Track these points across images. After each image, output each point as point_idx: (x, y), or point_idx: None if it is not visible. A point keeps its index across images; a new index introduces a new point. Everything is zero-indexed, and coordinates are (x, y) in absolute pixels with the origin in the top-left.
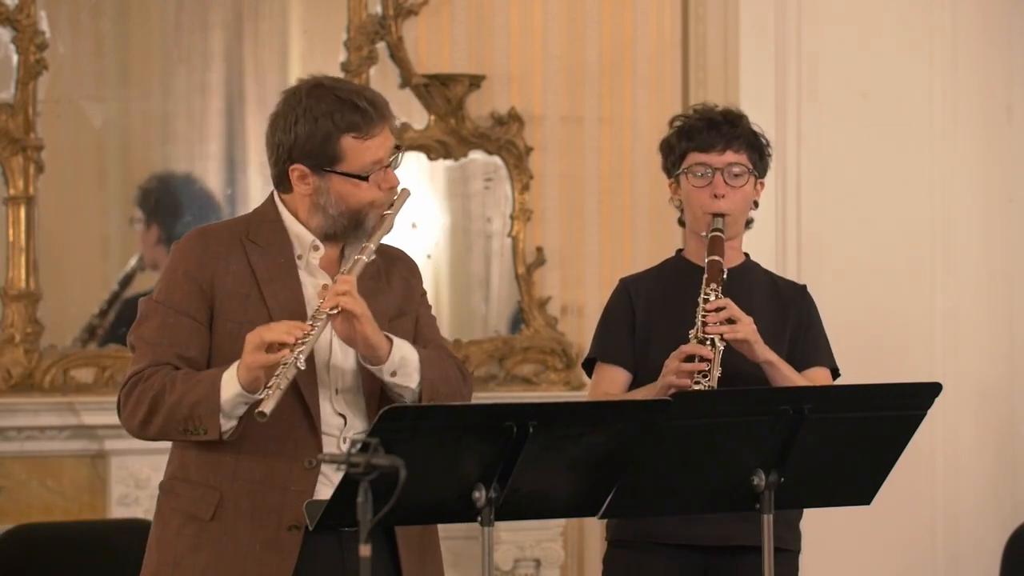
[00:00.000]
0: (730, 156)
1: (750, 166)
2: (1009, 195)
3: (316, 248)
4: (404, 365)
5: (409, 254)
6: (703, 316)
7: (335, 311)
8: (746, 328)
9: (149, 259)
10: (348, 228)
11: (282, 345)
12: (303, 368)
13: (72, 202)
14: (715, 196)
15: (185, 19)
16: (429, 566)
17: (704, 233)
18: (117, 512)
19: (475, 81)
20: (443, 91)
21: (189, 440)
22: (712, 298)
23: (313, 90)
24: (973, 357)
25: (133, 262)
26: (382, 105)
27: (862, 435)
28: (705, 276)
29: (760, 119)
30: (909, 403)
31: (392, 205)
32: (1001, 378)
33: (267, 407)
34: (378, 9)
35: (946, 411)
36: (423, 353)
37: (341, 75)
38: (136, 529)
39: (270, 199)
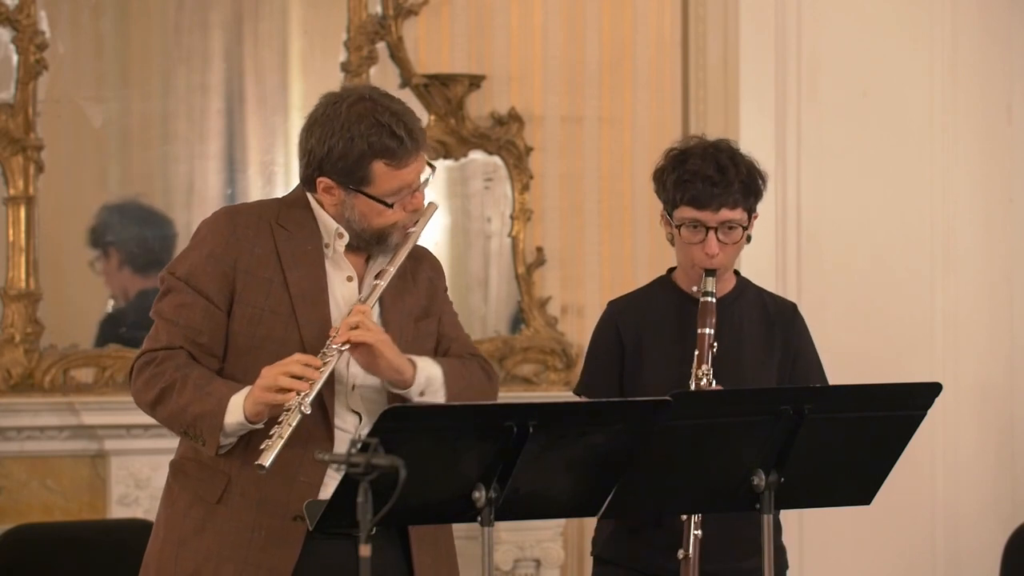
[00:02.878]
0: (725, 214)
1: (745, 218)
2: (1009, 195)
3: (341, 235)
4: (430, 384)
5: (432, 252)
6: None
7: (346, 347)
8: None
9: (120, 292)
10: (370, 242)
11: (295, 378)
12: (308, 412)
13: (72, 202)
14: (708, 254)
15: (185, 19)
16: (443, 567)
17: (695, 288)
18: (117, 512)
19: (475, 81)
20: (443, 91)
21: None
22: (704, 382)
23: (354, 105)
24: (973, 357)
25: (109, 305)
26: (419, 134)
27: (862, 435)
28: (696, 353)
29: (760, 119)
30: (909, 403)
31: (417, 223)
32: (1001, 378)
33: (266, 459)
34: (378, 9)
35: (946, 411)
36: (446, 367)
37: (341, 75)
38: (136, 529)
39: (300, 189)
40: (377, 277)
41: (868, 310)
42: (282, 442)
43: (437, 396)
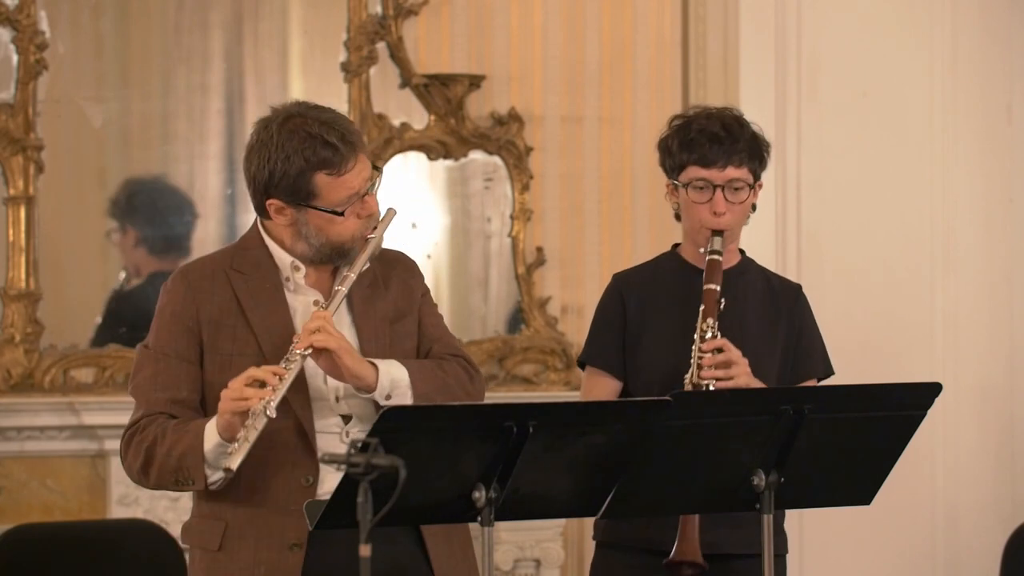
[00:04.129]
0: (731, 172)
1: (751, 179)
2: (1009, 195)
3: (297, 268)
4: (396, 387)
5: (408, 255)
6: (699, 356)
7: (308, 352)
8: (741, 373)
9: (132, 267)
10: (332, 256)
11: (262, 385)
12: (273, 416)
13: (72, 202)
14: (715, 214)
15: (185, 19)
16: (460, 557)
17: (702, 249)
18: (117, 512)
19: (475, 81)
20: (443, 91)
21: (182, 490)
22: (709, 335)
23: (284, 124)
24: (973, 357)
25: (121, 278)
26: (353, 137)
27: (862, 435)
28: (702, 308)
29: (760, 119)
30: (909, 403)
31: (375, 228)
32: (1001, 378)
33: (233, 462)
34: (378, 9)
35: (946, 411)
36: (414, 368)
37: (341, 75)
38: (136, 529)
39: (254, 227)
40: (339, 284)
41: (868, 310)
42: (248, 445)
43: (404, 398)
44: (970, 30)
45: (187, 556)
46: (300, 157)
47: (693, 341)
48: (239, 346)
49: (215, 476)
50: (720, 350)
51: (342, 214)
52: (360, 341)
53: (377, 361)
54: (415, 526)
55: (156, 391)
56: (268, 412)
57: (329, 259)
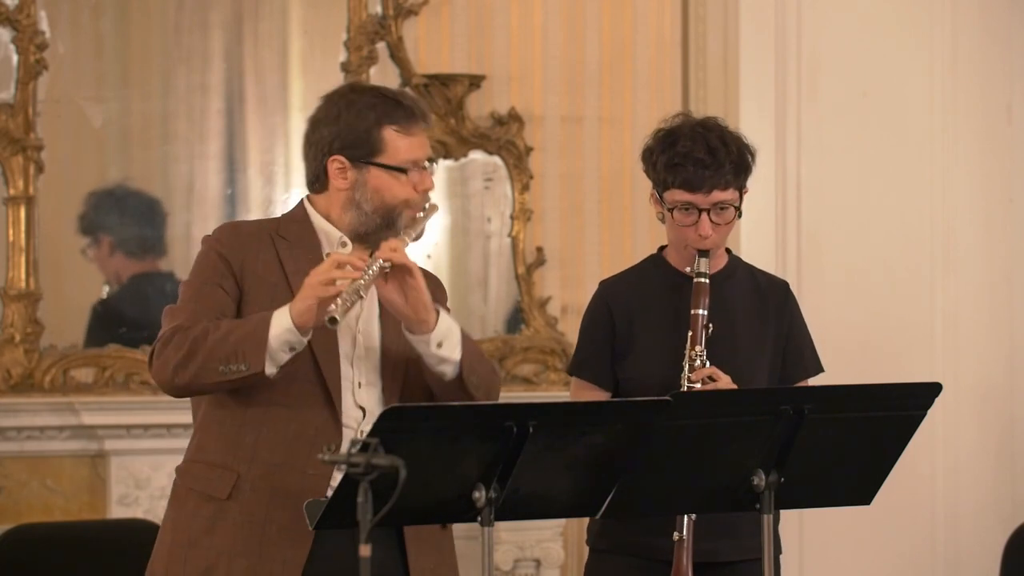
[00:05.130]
0: (717, 195)
1: (737, 198)
2: (1009, 195)
3: (344, 244)
4: (449, 336)
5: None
6: (688, 383)
7: (388, 265)
8: None
9: (113, 278)
10: (380, 227)
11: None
12: (364, 297)
13: (72, 202)
14: (701, 235)
15: (185, 19)
16: (442, 567)
17: (688, 269)
18: (117, 512)
19: (475, 81)
20: (443, 91)
21: (225, 380)
22: (698, 363)
23: (355, 87)
24: (973, 357)
25: (104, 292)
26: (423, 105)
27: (862, 435)
28: (690, 334)
29: (760, 119)
30: (909, 403)
31: (425, 210)
32: (1001, 379)
33: (338, 313)
34: (378, 9)
35: (946, 411)
36: (463, 332)
37: (341, 75)
38: (136, 529)
39: (300, 204)
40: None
41: (868, 310)
42: (347, 307)
43: (455, 351)
44: (970, 30)
45: (173, 497)
46: (372, 112)
47: (683, 355)
48: (276, 306)
49: (271, 368)
50: (712, 378)
51: (406, 171)
52: (383, 335)
53: (438, 306)
54: (398, 528)
55: (200, 307)
56: (361, 293)
57: (376, 230)
